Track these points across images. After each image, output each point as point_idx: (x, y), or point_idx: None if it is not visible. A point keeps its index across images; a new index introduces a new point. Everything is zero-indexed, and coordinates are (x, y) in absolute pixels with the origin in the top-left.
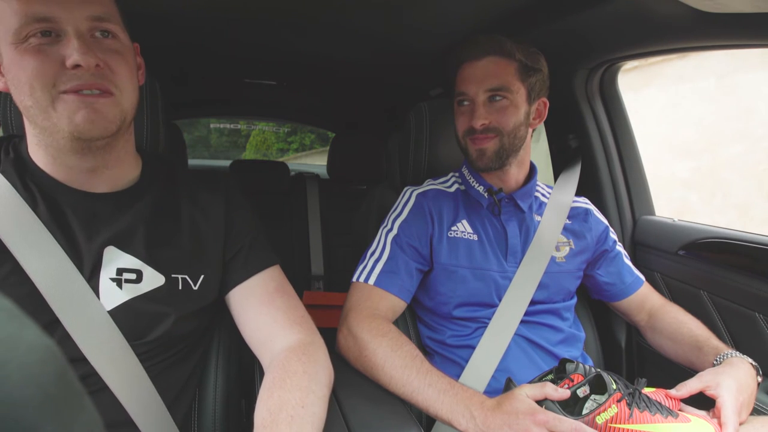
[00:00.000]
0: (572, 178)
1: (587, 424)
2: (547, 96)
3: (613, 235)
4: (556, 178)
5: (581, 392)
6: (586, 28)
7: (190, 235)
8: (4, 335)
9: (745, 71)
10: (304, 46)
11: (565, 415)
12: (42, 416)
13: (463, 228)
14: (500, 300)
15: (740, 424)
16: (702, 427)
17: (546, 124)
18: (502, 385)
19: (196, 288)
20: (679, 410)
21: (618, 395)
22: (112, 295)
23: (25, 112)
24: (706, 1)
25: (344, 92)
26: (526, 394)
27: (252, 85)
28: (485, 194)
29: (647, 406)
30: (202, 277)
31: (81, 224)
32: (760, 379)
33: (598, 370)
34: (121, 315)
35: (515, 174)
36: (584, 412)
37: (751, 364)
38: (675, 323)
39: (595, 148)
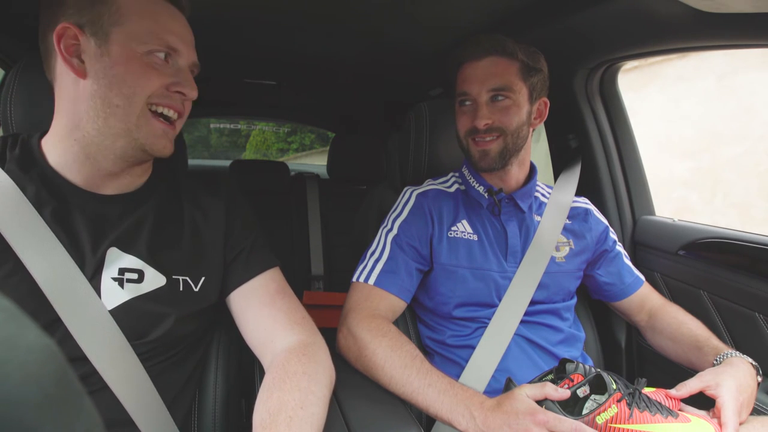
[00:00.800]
0: (572, 178)
1: (587, 424)
2: (548, 96)
3: (613, 235)
4: (556, 178)
5: (581, 392)
6: (586, 28)
7: (192, 237)
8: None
9: (745, 71)
10: (304, 46)
11: (565, 415)
12: (42, 416)
13: (463, 228)
14: (500, 300)
15: (740, 424)
16: (702, 427)
17: (546, 124)
18: (502, 385)
19: (196, 290)
20: (679, 410)
21: (618, 395)
22: (114, 295)
23: (101, 109)
24: (706, 1)
25: (344, 92)
26: (526, 394)
27: (252, 85)
28: (485, 194)
29: (647, 406)
30: (203, 279)
31: (87, 225)
32: (760, 379)
33: (598, 370)
34: (122, 314)
35: (516, 174)
36: (584, 412)
37: (751, 364)
38: (675, 323)
39: (595, 148)
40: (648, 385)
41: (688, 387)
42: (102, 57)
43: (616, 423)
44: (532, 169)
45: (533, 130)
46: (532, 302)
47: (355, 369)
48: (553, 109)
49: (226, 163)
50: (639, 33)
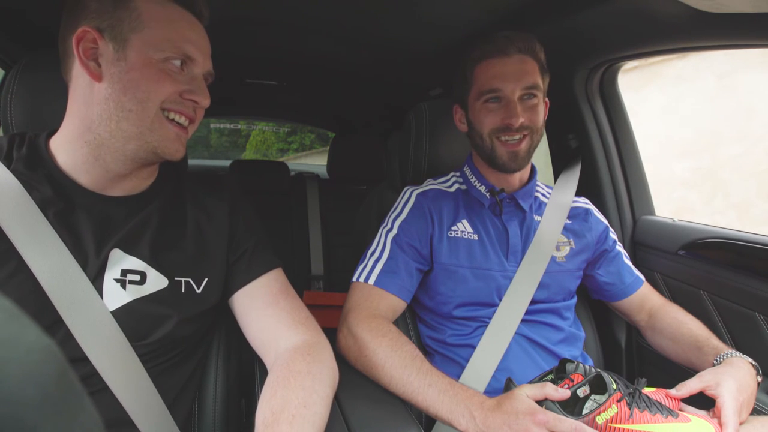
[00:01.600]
0: (572, 178)
1: (587, 424)
2: (548, 96)
3: (613, 235)
4: (556, 178)
5: (581, 392)
6: (586, 28)
7: (195, 238)
8: (5, 335)
9: (745, 71)
10: (304, 45)
11: (565, 415)
12: (42, 416)
13: (464, 228)
14: (501, 299)
15: (740, 423)
16: (702, 427)
17: (546, 124)
18: (502, 385)
19: (199, 291)
20: (679, 410)
21: (618, 395)
22: (116, 296)
23: (115, 113)
24: (706, 1)
25: (344, 92)
26: (526, 394)
27: (252, 85)
28: (487, 194)
29: (647, 406)
30: (205, 280)
31: (92, 226)
32: (760, 378)
33: (598, 370)
34: (123, 316)
35: (520, 174)
36: (584, 412)
37: (751, 363)
38: (675, 323)
39: (595, 148)
40: (648, 385)
41: (688, 387)
42: (119, 62)
43: (616, 423)
44: (533, 169)
45: None
46: (533, 301)
47: (355, 369)
48: (553, 109)
49: (226, 163)
50: (639, 33)
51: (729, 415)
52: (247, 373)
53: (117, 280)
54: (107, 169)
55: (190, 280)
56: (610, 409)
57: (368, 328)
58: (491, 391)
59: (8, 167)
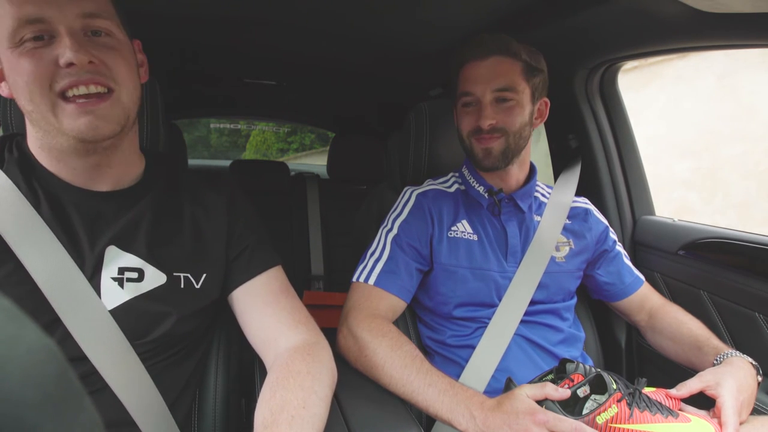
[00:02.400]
0: (572, 178)
1: (587, 424)
2: (548, 96)
3: (613, 235)
4: (556, 178)
5: (581, 392)
6: (586, 28)
7: (193, 233)
8: (4, 335)
9: (745, 71)
10: (304, 45)
11: (565, 415)
12: (42, 415)
13: (463, 228)
14: (500, 300)
15: (740, 423)
16: (702, 427)
17: (546, 124)
18: (502, 385)
19: (198, 286)
20: (680, 410)
21: (618, 395)
22: (114, 295)
23: (27, 116)
24: (706, 1)
25: (344, 92)
26: (526, 394)
27: (252, 85)
28: (485, 194)
29: (647, 406)
30: (204, 275)
31: (84, 223)
32: (760, 378)
33: (598, 370)
34: (122, 314)
35: (516, 174)
36: (584, 412)
37: (751, 363)
38: (675, 323)
39: (595, 148)
40: (648, 385)
41: (688, 387)
42: (5, 72)
43: (616, 423)
44: (532, 169)
45: (533, 130)
46: (532, 302)
47: (355, 369)
48: (553, 109)
49: (226, 163)
50: (639, 33)
51: (729, 415)
52: (247, 373)
53: (114, 279)
54: (73, 165)
55: (188, 275)
56: (610, 409)
57: (368, 328)
58: (491, 391)
59: (1, 169)
